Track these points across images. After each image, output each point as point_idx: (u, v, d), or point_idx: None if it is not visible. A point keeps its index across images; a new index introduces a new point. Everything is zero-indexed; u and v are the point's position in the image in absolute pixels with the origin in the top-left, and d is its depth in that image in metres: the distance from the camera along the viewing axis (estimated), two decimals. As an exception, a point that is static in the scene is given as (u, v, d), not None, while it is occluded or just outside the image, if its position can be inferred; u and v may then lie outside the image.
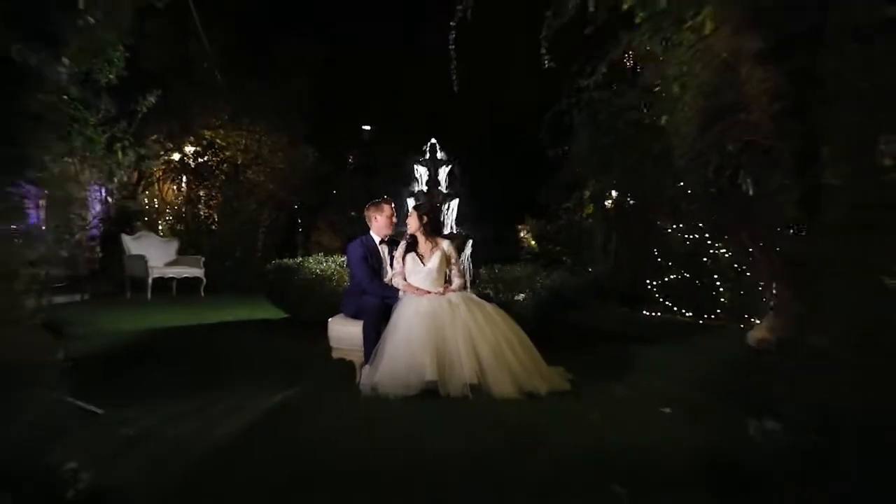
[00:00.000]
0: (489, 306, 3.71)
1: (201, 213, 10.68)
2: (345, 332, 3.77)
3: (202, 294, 8.78)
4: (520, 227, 12.56)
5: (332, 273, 5.46)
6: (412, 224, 3.97)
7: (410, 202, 6.19)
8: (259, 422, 2.82)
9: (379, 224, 4.08)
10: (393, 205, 4.12)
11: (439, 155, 6.44)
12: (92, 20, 1.97)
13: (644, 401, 3.29)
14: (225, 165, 10.36)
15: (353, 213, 11.80)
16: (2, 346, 1.77)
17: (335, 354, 3.85)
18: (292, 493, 2.07)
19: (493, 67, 10.52)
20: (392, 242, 4.14)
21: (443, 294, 3.73)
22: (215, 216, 10.70)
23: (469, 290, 4.19)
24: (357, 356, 3.66)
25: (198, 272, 8.88)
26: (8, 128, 1.72)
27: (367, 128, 15.78)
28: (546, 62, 3.67)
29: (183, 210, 10.63)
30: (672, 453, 2.44)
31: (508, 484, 2.17)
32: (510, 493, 2.10)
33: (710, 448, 2.50)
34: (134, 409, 2.78)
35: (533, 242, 11.98)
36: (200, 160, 10.39)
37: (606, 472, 2.27)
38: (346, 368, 3.77)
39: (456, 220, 6.50)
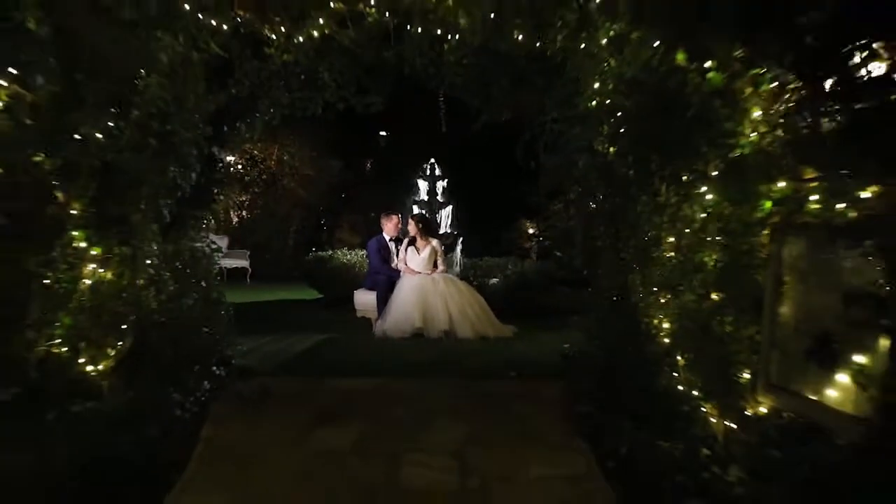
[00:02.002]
0: (460, 283, 5.61)
1: (245, 215, 12.74)
2: (365, 299, 5.71)
3: (248, 281, 10.81)
4: (528, 224, 14.40)
5: (355, 263, 7.39)
6: (411, 227, 5.86)
7: (415, 209, 8.08)
8: (313, 345, 4.74)
9: (388, 228, 6.00)
10: (399, 215, 6.04)
11: (437, 172, 8.32)
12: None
13: (553, 342, 5.10)
14: (264, 176, 12.38)
15: (372, 214, 13.76)
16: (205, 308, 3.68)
17: (358, 314, 5.79)
18: (333, 371, 3.96)
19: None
20: (398, 240, 6.03)
21: (430, 274, 5.62)
22: (255, 218, 12.74)
23: (450, 272, 6.08)
24: (372, 314, 5.59)
25: (244, 263, 10.92)
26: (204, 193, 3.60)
27: (384, 133, 17.72)
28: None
29: (231, 214, 12.68)
30: (549, 361, 4.24)
31: (455, 372, 4.03)
32: (454, 376, 3.96)
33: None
34: (246, 341, 4.67)
35: (531, 241, 13.82)
36: (243, 170, 12.41)
37: (509, 367, 4.10)
38: (366, 324, 5.68)
39: (450, 222, 8.38)
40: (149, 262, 3.09)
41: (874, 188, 1.73)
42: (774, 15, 1.64)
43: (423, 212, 7.39)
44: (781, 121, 1.89)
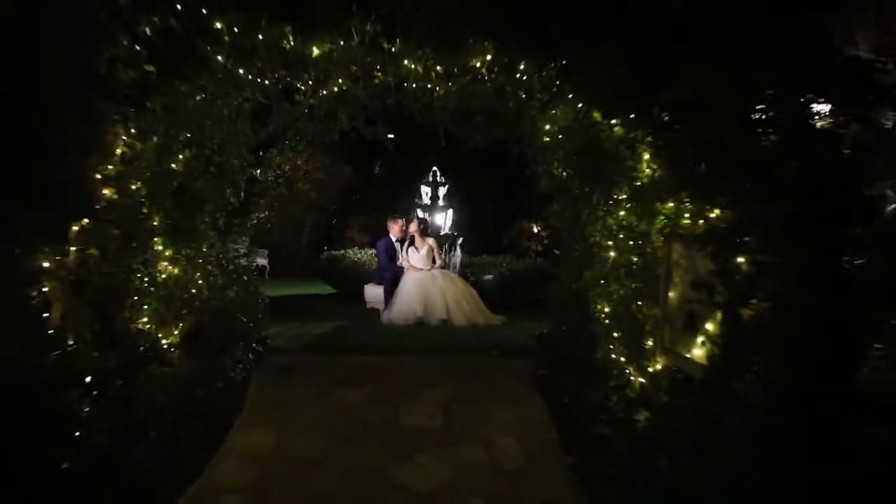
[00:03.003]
0: (456, 278, 6.47)
1: (262, 216, 13.65)
2: (374, 292, 6.60)
3: (267, 278, 11.74)
4: (528, 224, 15.22)
5: (365, 261, 8.28)
6: (412, 228, 6.72)
7: (418, 212, 8.94)
8: (330, 330, 5.64)
9: (394, 230, 6.88)
10: (404, 219, 6.90)
11: (439, 178, 9.19)
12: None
13: (535, 329, 5.95)
14: (281, 180, 13.29)
15: (380, 215, 14.65)
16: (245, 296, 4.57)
17: (368, 306, 6.69)
18: (348, 350, 4.84)
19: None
20: (402, 241, 6.90)
21: (429, 270, 6.48)
22: (272, 220, 13.66)
23: (449, 269, 6.94)
24: (380, 305, 6.48)
25: (263, 261, 11.85)
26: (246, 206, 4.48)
27: (391, 136, 18.55)
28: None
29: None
30: (527, 343, 5.07)
31: (448, 351, 4.89)
32: (447, 354, 4.82)
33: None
34: (275, 327, 5.54)
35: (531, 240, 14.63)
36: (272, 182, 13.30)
37: (493, 348, 4.97)
38: (374, 314, 6.57)
39: (450, 224, 9.25)
40: (201, 260, 3.98)
41: (717, 211, 2.56)
42: (643, 94, 2.45)
43: (425, 215, 8.26)
44: (660, 162, 2.73)
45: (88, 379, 2.48)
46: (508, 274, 8.10)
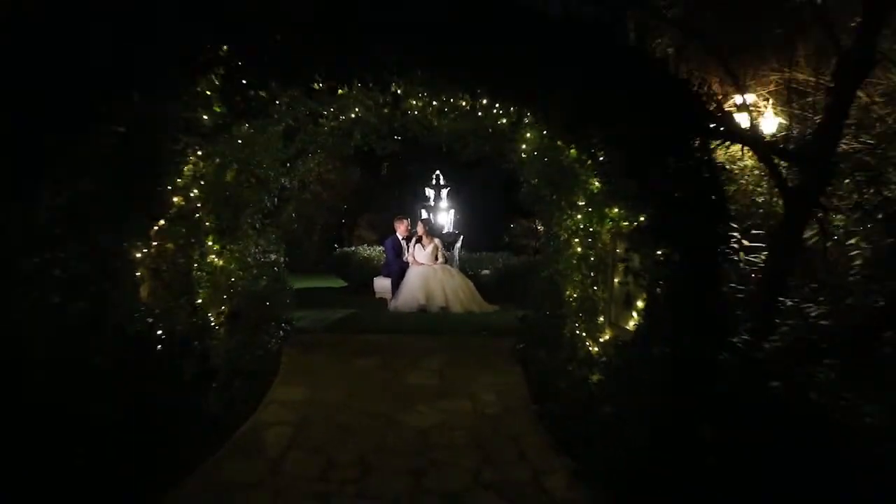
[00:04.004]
0: (455, 272, 7.32)
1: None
2: (382, 284, 7.46)
3: (282, 273, 12.62)
4: (527, 222, 16.02)
5: (374, 256, 9.13)
6: (420, 229, 7.56)
7: (423, 213, 9.77)
8: (345, 315, 6.50)
9: (400, 229, 7.73)
10: (408, 219, 7.75)
11: (441, 181, 10.04)
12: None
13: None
14: (295, 181, 14.16)
15: (386, 214, 15.51)
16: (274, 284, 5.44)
17: (377, 296, 7.56)
18: (361, 331, 5.69)
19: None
20: (407, 239, 7.75)
21: (433, 265, 7.32)
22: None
23: (450, 264, 7.78)
24: (387, 295, 7.34)
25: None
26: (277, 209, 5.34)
27: (398, 137, 19.39)
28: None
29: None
30: (513, 327, 5.88)
31: (445, 332, 5.73)
32: (444, 334, 5.66)
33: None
34: (298, 312, 6.41)
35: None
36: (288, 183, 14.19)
37: (484, 329, 5.81)
38: (382, 303, 7.43)
39: (453, 224, 10.09)
40: (240, 255, 4.84)
41: (642, 217, 3.38)
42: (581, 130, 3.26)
43: (429, 215, 9.11)
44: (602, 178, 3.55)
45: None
46: (504, 269, 8.92)
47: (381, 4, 2.50)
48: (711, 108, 2.84)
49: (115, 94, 2.38)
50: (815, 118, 4.23)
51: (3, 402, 2.30)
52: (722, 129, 3.00)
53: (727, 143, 3.24)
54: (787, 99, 5.38)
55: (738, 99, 4.91)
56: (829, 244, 3.71)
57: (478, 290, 7.51)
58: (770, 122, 5.47)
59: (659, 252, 2.93)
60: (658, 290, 3.05)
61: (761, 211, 4.55)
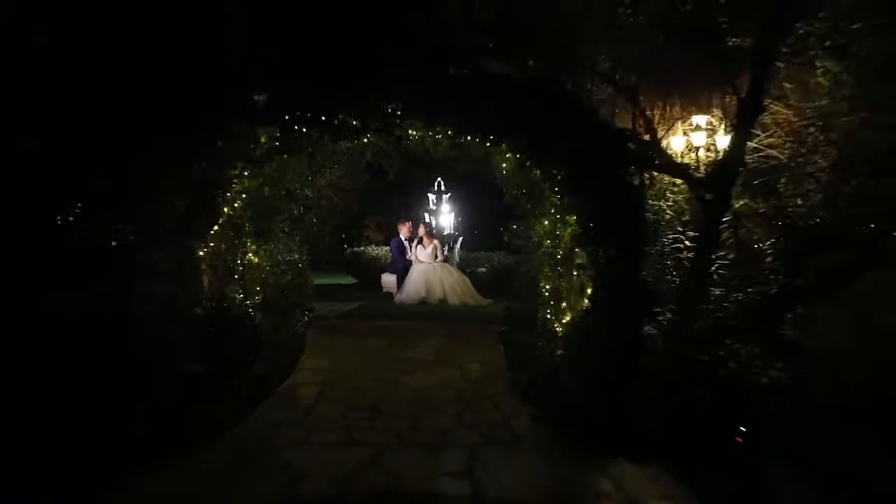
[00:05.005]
0: (453, 269, 8.32)
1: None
2: (388, 279, 8.48)
3: (296, 271, 13.67)
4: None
5: (381, 256, 10.14)
6: (421, 231, 8.57)
7: (426, 216, 10.78)
8: (357, 306, 7.51)
9: (403, 231, 8.74)
10: (410, 222, 8.76)
11: (443, 188, 11.04)
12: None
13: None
14: (315, 192, 15.21)
15: (392, 217, 16.52)
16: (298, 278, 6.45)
17: (384, 290, 8.57)
18: (371, 318, 6.70)
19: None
20: (410, 240, 8.75)
21: (433, 263, 8.32)
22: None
23: (450, 263, 8.78)
24: (393, 290, 8.35)
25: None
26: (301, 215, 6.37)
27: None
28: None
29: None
30: (502, 316, 6.88)
31: (442, 320, 6.73)
32: (441, 321, 6.66)
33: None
34: (316, 304, 7.45)
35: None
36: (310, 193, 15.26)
37: (477, 317, 6.80)
38: (389, 297, 8.43)
39: (454, 226, 11.09)
40: (270, 253, 5.85)
41: (592, 223, 4.35)
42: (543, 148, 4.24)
43: (431, 218, 10.12)
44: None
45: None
46: (499, 267, 9.90)
47: (398, 76, 3.51)
48: (641, 141, 3.81)
49: (204, 139, 3.40)
50: (760, 134, 5.13)
51: (124, 357, 3.31)
52: (645, 157, 3.97)
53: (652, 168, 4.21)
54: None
55: (696, 120, 5.87)
56: (738, 244, 4.68)
57: (475, 285, 8.52)
58: (722, 140, 6.44)
59: (598, 250, 3.91)
60: (598, 279, 4.03)
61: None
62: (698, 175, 4.43)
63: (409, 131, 4.86)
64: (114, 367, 3.13)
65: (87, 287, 3.06)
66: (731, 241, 4.66)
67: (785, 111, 4.67)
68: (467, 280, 8.28)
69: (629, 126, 4.42)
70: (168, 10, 3.22)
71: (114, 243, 3.10)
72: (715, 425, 3.50)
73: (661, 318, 4.37)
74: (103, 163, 3.15)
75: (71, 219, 3.04)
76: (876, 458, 2.90)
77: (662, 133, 5.52)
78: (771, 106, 4.56)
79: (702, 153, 5.88)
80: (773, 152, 4.93)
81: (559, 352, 4.71)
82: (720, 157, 4.64)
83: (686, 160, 5.72)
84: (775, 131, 4.77)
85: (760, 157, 4.78)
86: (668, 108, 5.41)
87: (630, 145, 3.85)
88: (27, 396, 2.74)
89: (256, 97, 3.56)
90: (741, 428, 3.23)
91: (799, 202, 4.52)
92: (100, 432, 2.96)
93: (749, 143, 4.56)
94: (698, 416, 3.57)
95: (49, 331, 2.82)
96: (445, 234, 10.48)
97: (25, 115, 3.09)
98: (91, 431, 2.93)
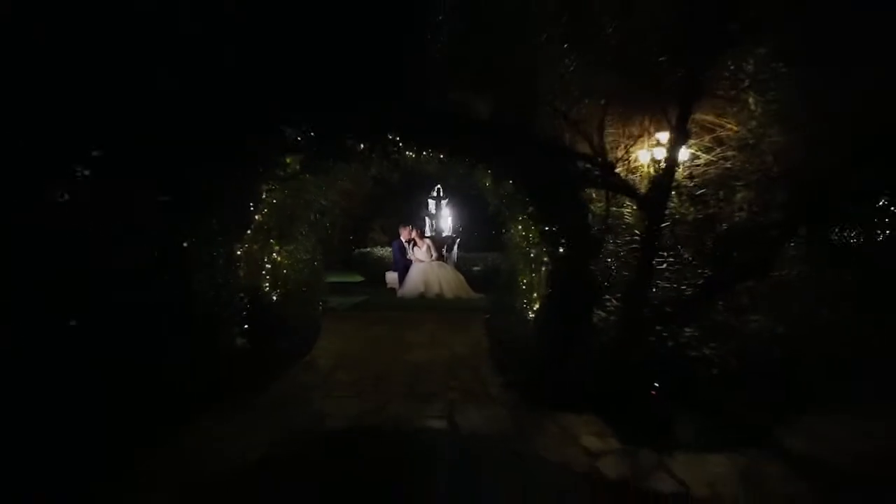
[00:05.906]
0: (449, 267, 9.36)
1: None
2: (392, 277, 9.55)
3: (307, 270, 14.76)
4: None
5: (385, 256, 11.19)
6: (414, 233, 9.61)
7: (426, 219, 11.83)
8: (364, 300, 8.55)
9: (403, 234, 9.79)
10: (410, 226, 9.81)
11: (441, 193, 12.09)
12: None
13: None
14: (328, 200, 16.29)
15: (399, 220, 17.58)
16: (312, 275, 7.50)
17: (388, 286, 9.62)
18: (376, 309, 7.73)
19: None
20: (409, 242, 9.79)
21: (429, 262, 9.35)
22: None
23: (448, 262, 9.82)
24: (396, 286, 9.39)
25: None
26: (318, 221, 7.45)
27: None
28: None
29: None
30: (488, 307, 7.90)
31: (438, 311, 7.76)
32: (437, 311, 7.69)
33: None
34: (329, 297, 8.48)
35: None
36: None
37: (468, 308, 7.82)
38: (392, 292, 9.47)
39: (451, 228, 12.13)
40: (289, 253, 6.89)
41: (555, 227, 5.36)
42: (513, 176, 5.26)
43: (430, 221, 11.17)
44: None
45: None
46: (492, 265, 10.92)
47: (397, 118, 4.56)
48: (595, 163, 4.83)
49: (250, 165, 4.45)
50: (718, 148, 6.09)
51: (182, 335, 4.35)
52: (593, 178, 4.99)
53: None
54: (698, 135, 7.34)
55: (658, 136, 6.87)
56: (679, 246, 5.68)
57: (471, 282, 9.55)
58: (683, 153, 7.44)
59: (555, 249, 4.93)
60: (555, 273, 5.05)
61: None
62: (641, 191, 5.44)
63: (407, 152, 5.92)
64: (183, 339, 4.19)
65: (162, 275, 4.13)
66: (671, 242, 5.67)
67: (735, 128, 5.67)
68: (461, 276, 9.31)
69: (588, 150, 5.45)
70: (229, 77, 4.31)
71: (184, 244, 4.15)
72: (642, 387, 4.51)
73: (609, 306, 5.37)
74: (172, 184, 4.23)
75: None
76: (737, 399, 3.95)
77: (622, 152, 6.49)
78: (724, 124, 5.55)
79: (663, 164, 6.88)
80: (727, 164, 5.93)
81: (531, 332, 5.73)
82: (656, 175, 5.64)
83: (652, 171, 6.73)
84: (728, 146, 5.76)
85: (706, 168, 5.77)
86: (624, 130, 6.41)
87: (586, 165, 4.85)
88: (130, 358, 3.80)
89: (288, 133, 4.63)
90: (655, 384, 4.23)
91: (723, 208, 5.52)
92: (171, 387, 4.00)
93: (706, 156, 5.61)
94: (630, 380, 4.57)
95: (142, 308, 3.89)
96: (444, 235, 11.50)
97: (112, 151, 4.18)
98: (164, 386, 3.98)
